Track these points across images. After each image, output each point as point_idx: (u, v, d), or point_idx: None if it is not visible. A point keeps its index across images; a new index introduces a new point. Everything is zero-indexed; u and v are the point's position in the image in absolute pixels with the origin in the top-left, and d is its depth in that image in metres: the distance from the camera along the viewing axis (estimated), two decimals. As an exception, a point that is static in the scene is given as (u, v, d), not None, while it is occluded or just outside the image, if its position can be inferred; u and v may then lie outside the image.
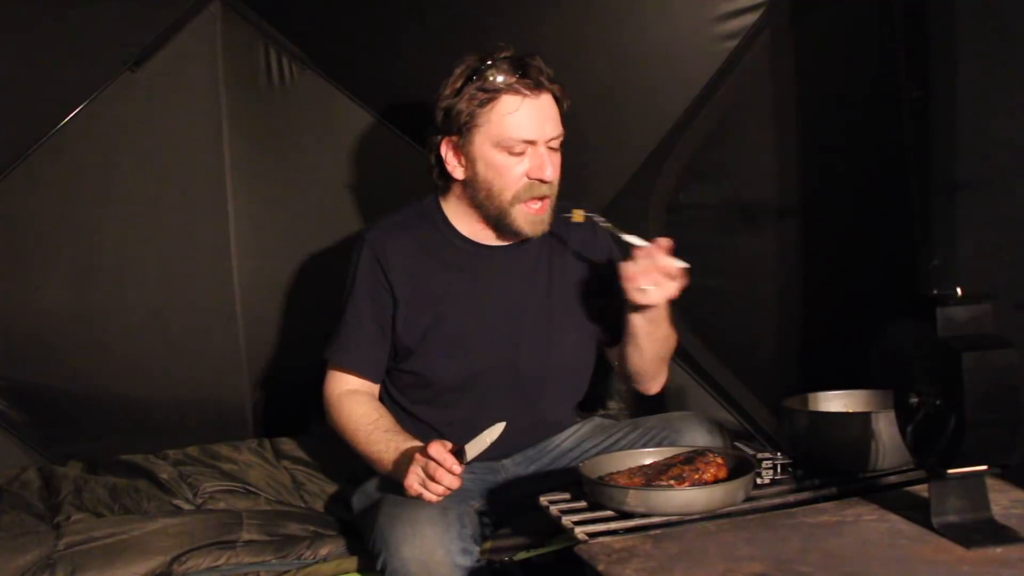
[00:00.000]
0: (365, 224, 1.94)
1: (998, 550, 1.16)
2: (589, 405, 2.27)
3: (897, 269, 1.98)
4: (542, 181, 1.81)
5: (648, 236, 2.14)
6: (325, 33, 2.59)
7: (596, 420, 2.05)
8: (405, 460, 1.72)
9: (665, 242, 1.72)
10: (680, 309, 1.96)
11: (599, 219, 1.86)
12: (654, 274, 1.70)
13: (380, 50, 2.53)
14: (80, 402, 2.61)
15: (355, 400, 1.91)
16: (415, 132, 2.37)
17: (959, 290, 1.21)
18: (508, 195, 1.82)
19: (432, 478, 1.63)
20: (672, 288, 1.72)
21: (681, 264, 1.70)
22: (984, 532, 1.20)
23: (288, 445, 2.53)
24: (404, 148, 2.53)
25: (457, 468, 1.61)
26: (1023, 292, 1.54)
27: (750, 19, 2.20)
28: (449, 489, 1.63)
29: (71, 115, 2.50)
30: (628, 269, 1.72)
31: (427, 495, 1.65)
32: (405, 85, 2.50)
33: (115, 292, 2.59)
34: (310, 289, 2.65)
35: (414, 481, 1.66)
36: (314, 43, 2.61)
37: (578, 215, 1.87)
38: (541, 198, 1.83)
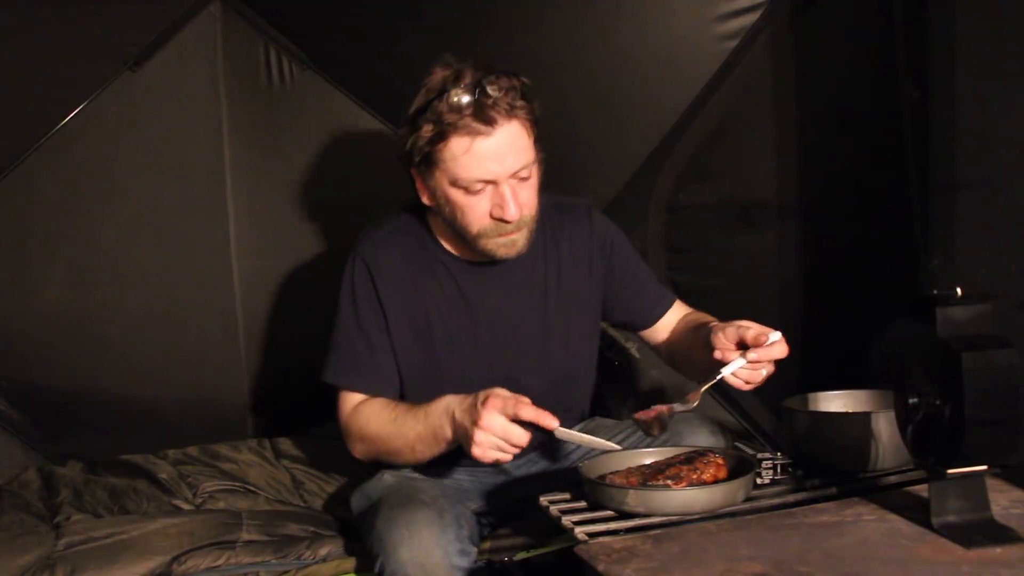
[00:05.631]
0: (364, 224, 1.91)
1: (998, 550, 1.16)
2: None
3: (897, 269, 1.98)
4: (505, 221, 1.69)
5: (648, 236, 2.14)
6: (325, 33, 2.59)
7: (597, 420, 2.04)
8: (445, 407, 1.62)
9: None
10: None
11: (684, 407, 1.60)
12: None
13: (380, 50, 2.53)
14: (80, 402, 2.61)
15: (368, 405, 1.78)
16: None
17: (959, 290, 1.21)
18: (473, 231, 1.71)
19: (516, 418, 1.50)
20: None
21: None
22: (984, 532, 1.20)
23: (288, 445, 2.53)
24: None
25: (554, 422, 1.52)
26: (1023, 292, 1.54)
27: (750, 19, 2.20)
28: (516, 446, 1.52)
29: (71, 115, 2.50)
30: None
31: (498, 448, 1.51)
32: (405, 85, 2.50)
33: (115, 292, 2.60)
34: (310, 289, 2.66)
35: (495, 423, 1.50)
36: (314, 43, 2.61)
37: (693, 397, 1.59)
38: (510, 234, 1.71)
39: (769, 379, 1.59)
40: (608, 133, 2.44)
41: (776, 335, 1.54)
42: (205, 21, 2.60)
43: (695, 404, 1.57)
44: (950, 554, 1.17)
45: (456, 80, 1.65)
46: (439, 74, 1.68)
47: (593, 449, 1.60)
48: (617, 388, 2.52)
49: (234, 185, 2.66)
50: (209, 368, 2.70)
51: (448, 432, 1.62)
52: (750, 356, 1.54)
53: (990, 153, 1.71)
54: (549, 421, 1.51)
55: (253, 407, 2.75)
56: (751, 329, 1.54)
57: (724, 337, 1.57)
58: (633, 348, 2.55)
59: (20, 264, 2.55)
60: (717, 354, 1.57)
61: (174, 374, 2.65)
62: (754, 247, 2.34)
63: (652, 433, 1.57)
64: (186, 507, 2.21)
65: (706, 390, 1.57)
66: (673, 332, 1.94)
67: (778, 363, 1.57)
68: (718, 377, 1.56)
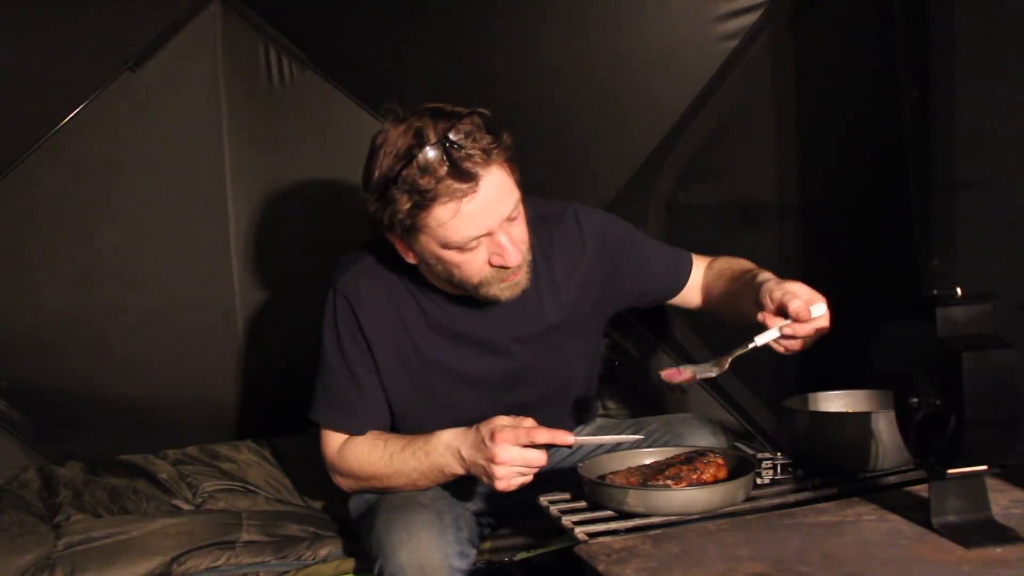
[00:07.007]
0: (363, 224, 1.90)
1: (998, 550, 1.16)
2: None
3: (897, 269, 1.98)
4: (506, 268, 1.62)
5: (648, 236, 2.13)
6: (325, 33, 2.59)
7: (598, 421, 2.04)
8: (447, 445, 1.65)
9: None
10: (680, 308, 1.97)
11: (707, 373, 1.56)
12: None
13: (380, 50, 2.53)
14: (80, 402, 2.61)
15: (355, 445, 1.77)
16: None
17: (959, 290, 1.21)
18: (475, 282, 1.64)
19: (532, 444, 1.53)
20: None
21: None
22: (984, 532, 1.20)
23: (287, 445, 2.53)
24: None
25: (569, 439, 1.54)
26: (1023, 292, 1.54)
27: (750, 19, 2.20)
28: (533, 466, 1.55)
29: (71, 115, 2.50)
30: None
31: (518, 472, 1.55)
32: (405, 85, 2.50)
33: (115, 292, 2.60)
34: (310, 289, 2.65)
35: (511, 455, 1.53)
36: (314, 43, 2.61)
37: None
38: (512, 275, 1.64)
39: (770, 379, 1.59)
40: (608, 133, 2.43)
41: (820, 309, 1.46)
42: (205, 21, 2.59)
43: (723, 370, 1.51)
44: (950, 554, 1.17)
45: (420, 142, 1.53)
46: (395, 133, 1.57)
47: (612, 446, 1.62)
48: (617, 388, 2.52)
49: (234, 185, 2.65)
50: (209, 368, 2.69)
51: (458, 469, 1.65)
52: (785, 330, 1.46)
53: (990, 153, 1.71)
54: (564, 438, 1.53)
55: (253, 407, 2.75)
56: (796, 299, 1.45)
57: (770, 300, 1.49)
58: (633, 348, 2.55)
59: (20, 264, 2.55)
60: (760, 316, 1.49)
61: (174, 374, 2.65)
62: (754, 247, 2.33)
63: (674, 393, 1.56)
64: (186, 507, 2.21)
65: (736, 357, 1.51)
66: (707, 289, 1.87)
67: (778, 362, 1.56)
68: (749, 347, 1.49)
